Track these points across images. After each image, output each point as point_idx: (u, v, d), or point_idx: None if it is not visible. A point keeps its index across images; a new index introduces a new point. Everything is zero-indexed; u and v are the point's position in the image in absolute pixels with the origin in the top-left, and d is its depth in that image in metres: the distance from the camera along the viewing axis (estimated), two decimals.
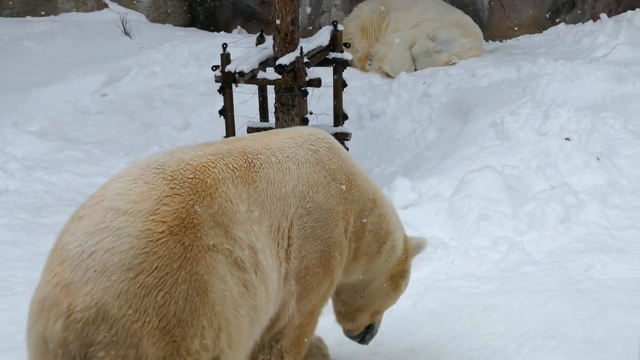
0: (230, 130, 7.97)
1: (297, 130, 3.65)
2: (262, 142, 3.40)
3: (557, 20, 13.25)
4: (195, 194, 2.89)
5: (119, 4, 13.57)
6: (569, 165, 6.80)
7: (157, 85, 10.92)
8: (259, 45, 8.35)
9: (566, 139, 7.03)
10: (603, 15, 12.36)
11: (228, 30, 13.64)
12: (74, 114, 10.10)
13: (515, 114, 7.46)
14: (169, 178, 2.89)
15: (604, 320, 4.62)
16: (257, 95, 8.51)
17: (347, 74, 8.81)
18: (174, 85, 10.97)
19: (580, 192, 6.42)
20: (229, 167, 3.11)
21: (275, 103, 8.06)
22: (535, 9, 13.36)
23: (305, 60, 7.59)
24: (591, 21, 12.61)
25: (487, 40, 12.75)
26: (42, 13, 13.20)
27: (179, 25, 13.75)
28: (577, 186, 6.53)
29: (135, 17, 13.21)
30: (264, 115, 8.54)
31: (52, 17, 13.28)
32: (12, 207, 7.36)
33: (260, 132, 3.65)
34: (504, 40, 13.20)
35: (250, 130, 8.21)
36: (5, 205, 7.37)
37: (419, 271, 5.29)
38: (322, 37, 8.27)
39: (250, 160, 3.23)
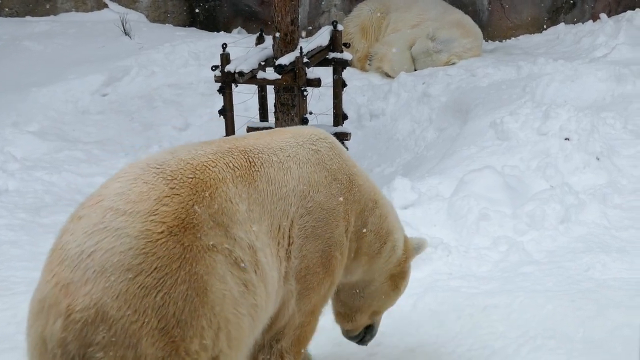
0: (230, 130, 7.97)
1: (299, 130, 3.64)
2: (263, 141, 3.39)
3: (557, 20, 13.25)
4: (194, 194, 2.88)
5: (119, 4, 13.57)
6: (569, 165, 6.80)
7: (157, 85, 10.92)
8: (258, 45, 8.35)
9: (566, 139, 7.03)
10: (603, 15, 12.37)
11: (228, 30, 13.64)
12: (73, 114, 10.10)
13: (515, 114, 7.46)
14: (169, 178, 2.88)
15: (604, 320, 4.61)
16: (257, 95, 8.51)
17: (347, 74, 8.81)
18: (174, 85, 10.97)
19: (580, 192, 6.41)
20: (229, 166, 3.10)
21: (275, 103, 8.06)
22: (535, 9, 13.36)
23: (305, 60, 7.59)
24: (591, 21, 12.61)
25: (486, 40, 12.75)
26: (41, 13, 13.19)
27: (178, 25, 13.74)
28: (577, 186, 6.53)
29: (135, 17, 13.21)
30: (263, 115, 8.54)
31: (51, 17, 13.28)
32: (12, 207, 7.36)
33: (262, 131, 3.64)
34: (503, 40, 13.20)
35: (250, 130, 8.21)
36: (5, 205, 7.37)
37: (419, 271, 5.29)
38: (322, 37, 8.27)
39: (251, 160, 3.22)
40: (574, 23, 12.96)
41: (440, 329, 4.71)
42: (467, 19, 12.19)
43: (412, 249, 4.17)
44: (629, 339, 4.32)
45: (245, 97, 8.55)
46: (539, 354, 4.35)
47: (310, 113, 8.02)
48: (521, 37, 13.23)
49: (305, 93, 7.70)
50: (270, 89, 8.36)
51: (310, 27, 13.08)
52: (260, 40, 8.47)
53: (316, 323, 3.68)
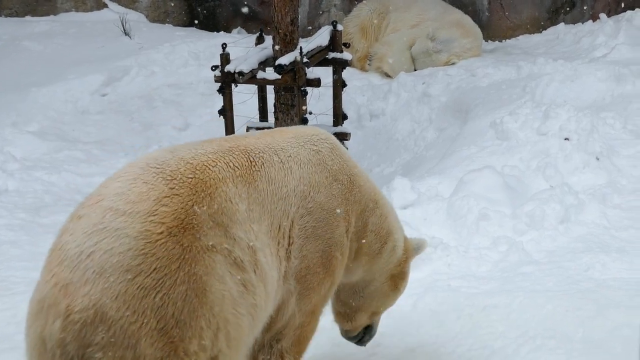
0: (230, 130, 7.97)
1: (300, 130, 3.64)
2: (264, 141, 3.39)
3: (556, 20, 13.25)
4: (194, 194, 2.88)
5: (119, 4, 13.57)
6: (569, 165, 6.80)
7: (156, 85, 10.92)
8: (258, 45, 8.35)
9: (566, 139, 7.03)
10: (602, 15, 12.37)
11: (228, 30, 13.65)
12: (73, 114, 10.10)
13: (514, 114, 7.46)
14: (169, 178, 2.88)
15: (604, 320, 4.61)
16: (257, 95, 8.51)
17: (347, 74, 8.81)
18: (174, 85, 10.98)
19: (579, 192, 6.42)
20: (230, 166, 3.10)
21: (274, 103, 8.06)
22: (535, 9, 13.37)
23: (305, 60, 7.59)
24: (591, 21, 12.62)
25: (486, 40, 12.75)
26: (41, 13, 13.19)
27: (178, 25, 13.74)
28: (577, 186, 6.53)
29: (134, 17, 13.21)
30: (263, 115, 8.54)
31: (51, 17, 13.28)
32: (12, 207, 7.36)
33: (263, 131, 3.63)
34: (503, 40, 13.21)
35: (250, 130, 8.21)
36: (4, 205, 7.37)
37: (419, 271, 5.29)
38: (322, 37, 8.27)
39: (251, 159, 3.22)
40: (574, 23, 12.96)
41: (440, 329, 4.71)
42: (467, 19, 12.19)
43: (412, 249, 4.17)
44: (628, 339, 4.32)
45: (245, 97, 8.55)
46: (539, 353, 4.35)
47: (310, 113, 8.02)
48: (521, 37, 13.24)
49: (305, 93, 7.70)
50: (270, 89, 8.36)
51: (310, 27, 13.09)
52: (260, 40, 8.47)
53: (316, 323, 3.68)
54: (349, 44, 10.01)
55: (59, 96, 10.24)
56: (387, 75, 11.57)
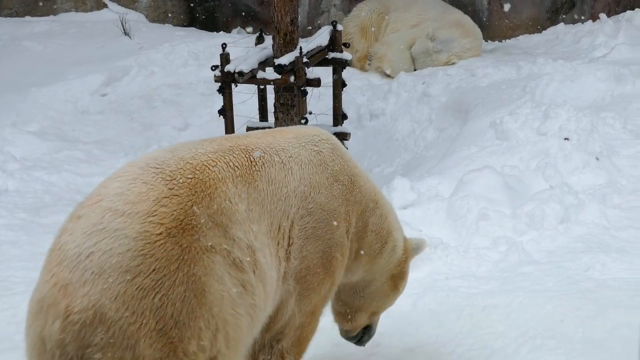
0: (229, 130, 7.97)
1: (301, 130, 3.63)
2: (265, 141, 3.38)
3: (556, 20, 13.25)
4: (193, 195, 2.88)
5: (119, 4, 13.57)
6: (569, 165, 6.80)
7: (156, 85, 10.93)
8: (258, 45, 8.35)
9: (565, 139, 7.03)
10: (602, 15, 12.37)
11: (227, 30, 13.65)
12: (73, 114, 10.11)
13: (514, 114, 7.46)
14: (168, 178, 2.87)
15: (604, 320, 4.61)
16: (257, 95, 8.51)
17: (347, 73, 8.81)
18: (174, 85, 10.98)
19: (579, 192, 6.42)
20: (230, 166, 3.09)
21: (274, 103, 8.06)
22: (535, 9, 13.37)
23: (305, 60, 7.59)
24: (590, 21, 12.62)
25: (486, 40, 12.75)
26: (41, 13, 13.19)
27: (178, 25, 13.75)
28: (577, 186, 6.53)
29: (134, 17, 13.22)
30: (263, 115, 8.54)
31: (51, 17, 13.28)
32: (12, 207, 7.36)
33: (264, 130, 3.63)
34: (503, 40, 13.21)
35: (250, 130, 8.21)
36: (4, 205, 7.37)
37: (419, 271, 5.29)
38: (322, 37, 8.27)
39: (252, 159, 3.21)
40: (574, 23, 12.96)
41: (439, 329, 4.71)
42: (467, 19, 12.19)
43: (412, 249, 4.17)
44: (628, 339, 4.32)
45: (245, 97, 8.55)
46: (539, 353, 4.35)
47: (310, 113, 8.02)
48: (521, 37, 13.24)
49: (305, 93, 7.71)
50: (270, 89, 8.36)
51: (310, 27, 13.09)
52: (259, 40, 8.47)
53: (317, 323, 3.68)
54: (349, 44, 10.02)
55: (59, 96, 10.25)
56: (387, 75, 11.57)
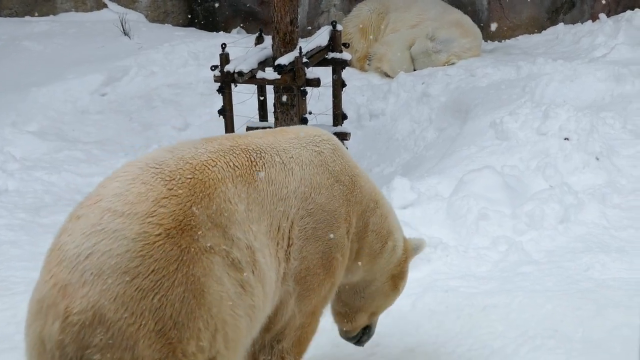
0: (229, 130, 7.97)
1: (302, 131, 3.63)
2: (266, 141, 3.38)
3: (556, 20, 13.25)
4: (193, 195, 2.87)
5: (118, 4, 13.57)
6: (568, 165, 6.80)
7: (156, 85, 10.93)
8: (258, 45, 8.35)
9: (565, 139, 7.03)
10: (602, 15, 12.37)
11: (227, 30, 13.65)
12: (73, 114, 10.11)
13: (514, 113, 7.46)
14: (167, 178, 2.87)
15: (603, 320, 4.61)
16: (257, 95, 8.52)
17: (346, 74, 8.81)
18: (173, 85, 10.98)
19: (579, 192, 6.42)
20: (230, 166, 3.09)
21: (274, 103, 8.06)
22: (534, 9, 13.37)
23: (305, 60, 7.59)
24: (590, 21, 12.62)
25: (486, 40, 12.75)
26: (37, 14, 13.18)
27: (178, 25, 13.75)
28: (577, 186, 6.53)
29: (134, 17, 13.22)
30: (263, 115, 8.55)
31: (51, 17, 13.28)
32: (12, 207, 7.36)
33: (265, 130, 3.62)
34: (503, 40, 13.21)
35: (250, 129, 8.21)
36: (4, 205, 7.37)
37: (418, 271, 5.29)
38: (321, 37, 8.27)
39: (252, 159, 3.21)
40: (573, 23, 12.96)
41: (439, 328, 4.71)
42: (467, 19, 12.19)
43: (411, 249, 4.17)
44: (628, 339, 4.32)
45: (244, 97, 8.55)
46: (538, 353, 4.35)
47: (310, 113, 8.02)
48: (520, 37, 13.24)
49: (304, 93, 7.71)
50: (269, 89, 8.37)
51: (310, 27, 13.09)
52: (259, 40, 8.48)
53: (317, 324, 3.68)
54: (349, 44, 10.02)
55: (59, 96, 10.25)
56: (387, 75, 11.57)
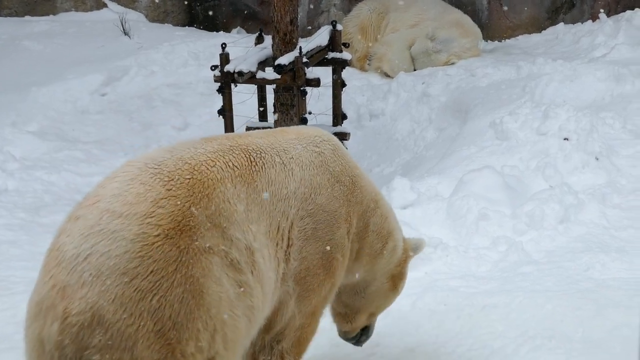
0: (229, 130, 7.97)
1: (303, 131, 3.62)
2: (266, 141, 3.37)
3: (556, 20, 13.25)
4: (192, 196, 2.86)
5: (118, 4, 13.57)
6: (568, 165, 6.80)
7: (156, 85, 10.93)
8: (258, 45, 8.35)
9: (565, 139, 7.03)
10: (602, 15, 12.37)
11: (227, 30, 13.64)
12: (73, 114, 10.11)
13: (514, 113, 7.46)
14: (166, 179, 2.86)
15: (603, 320, 4.61)
16: (256, 95, 8.51)
17: (346, 73, 8.81)
18: (173, 85, 10.98)
19: (579, 192, 6.42)
20: (229, 166, 3.08)
21: (274, 103, 8.06)
22: (534, 8, 13.37)
23: (304, 60, 7.59)
24: (590, 21, 12.62)
25: (486, 40, 12.74)
26: (40, 13, 13.19)
27: (178, 25, 13.74)
28: (576, 186, 6.53)
29: (134, 17, 13.22)
30: (263, 115, 8.54)
31: (51, 16, 13.28)
32: (12, 206, 7.36)
33: (265, 130, 3.62)
34: (503, 40, 13.21)
35: (250, 130, 8.21)
36: (4, 205, 7.37)
37: (418, 271, 5.29)
38: (321, 37, 8.27)
39: (252, 159, 3.20)
40: (573, 23, 12.96)
41: (439, 328, 4.71)
42: (466, 19, 12.19)
43: (411, 249, 4.17)
44: (628, 339, 4.32)
45: (244, 97, 8.55)
46: (538, 353, 4.35)
47: (310, 113, 8.02)
48: (520, 37, 13.24)
49: (304, 93, 7.71)
50: (269, 89, 8.37)
51: (310, 27, 13.09)
52: (259, 40, 8.47)
53: (317, 324, 3.68)
54: (349, 44, 10.02)
55: (59, 96, 10.25)
56: (387, 75, 11.57)
